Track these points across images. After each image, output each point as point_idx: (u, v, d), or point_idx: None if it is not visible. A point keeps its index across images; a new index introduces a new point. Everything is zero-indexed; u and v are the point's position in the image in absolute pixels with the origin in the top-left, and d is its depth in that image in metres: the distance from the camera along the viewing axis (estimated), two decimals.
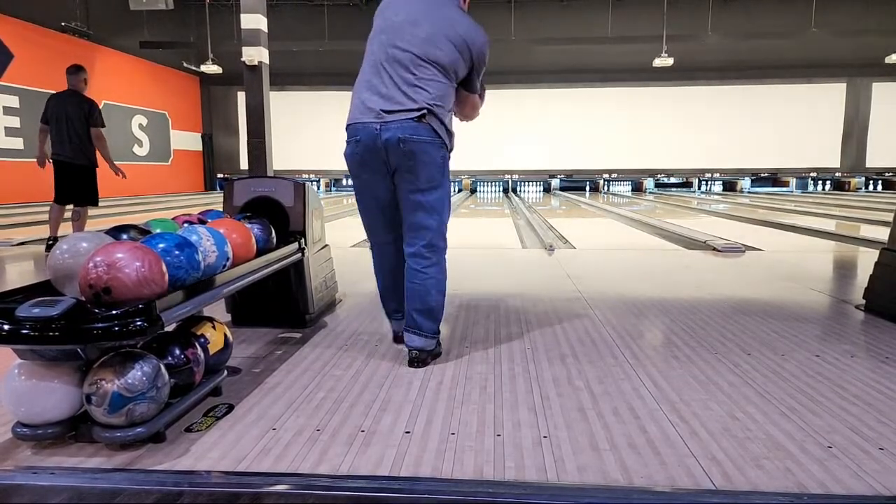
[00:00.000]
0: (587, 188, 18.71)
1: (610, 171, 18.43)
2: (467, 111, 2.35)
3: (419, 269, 2.10)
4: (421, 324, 2.08)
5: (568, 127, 18.07)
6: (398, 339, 2.33)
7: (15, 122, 11.47)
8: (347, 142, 2.11)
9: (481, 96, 2.34)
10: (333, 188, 19.18)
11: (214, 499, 1.25)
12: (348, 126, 2.11)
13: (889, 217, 3.40)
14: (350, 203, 13.19)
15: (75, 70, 4.89)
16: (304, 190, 2.64)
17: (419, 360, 2.08)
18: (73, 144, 4.76)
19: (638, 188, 18.41)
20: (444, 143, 2.08)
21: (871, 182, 18.08)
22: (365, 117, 2.04)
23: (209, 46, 14.13)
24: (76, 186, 4.87)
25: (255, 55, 7.02)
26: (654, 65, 13.92)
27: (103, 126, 4.93)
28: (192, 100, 18.37)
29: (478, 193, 17.69)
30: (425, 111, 1.98)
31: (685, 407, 1.71)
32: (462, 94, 2.22)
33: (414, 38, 2.03)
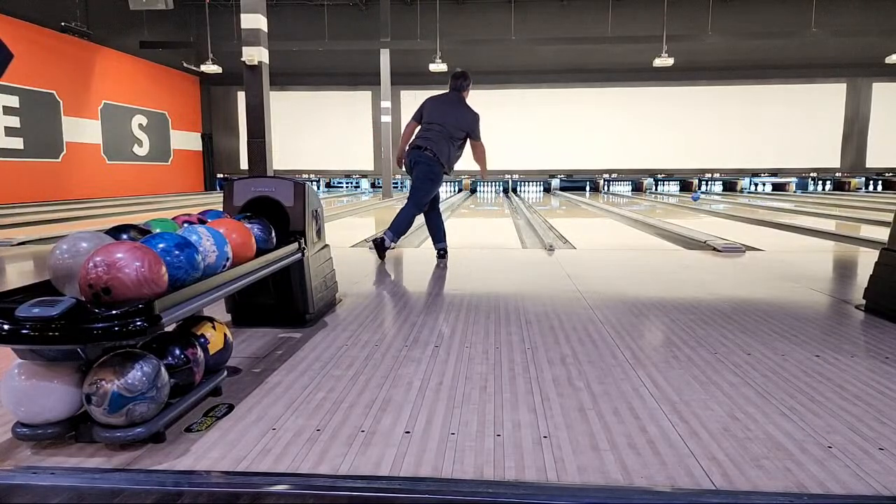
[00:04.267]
0: (587, 188, 18.72)
1: (610, 171, 18.44)
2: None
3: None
4: (444, 238, 4.61)
5: (568, 127, 18.08)
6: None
7: (15, 122, 11.48)
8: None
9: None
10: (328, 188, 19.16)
11: (214, 499, 1.25)
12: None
13: (889, 217, 3.40)
14: (349, 203, 13.18)
15: None
16: (304, 190, 2.63)
17: (445, 251, 4.57)
18: None
19: (638, 188, 18.41)
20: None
21: (871, 182, 18.08)
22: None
23: (209, 46, 14.13)
24: None
25: (255, 55, 7.02)
26: (654, 65, 13.92)
27: None
28: (192, 100, 18.38)
29: (478, 193, 17.70)
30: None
31: (685, 407, 1.71)
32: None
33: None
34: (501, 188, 18.37)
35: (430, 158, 4.36)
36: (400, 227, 4.45)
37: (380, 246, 4.45)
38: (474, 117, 4.47)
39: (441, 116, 4.42)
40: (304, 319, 2.59)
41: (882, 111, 17.45)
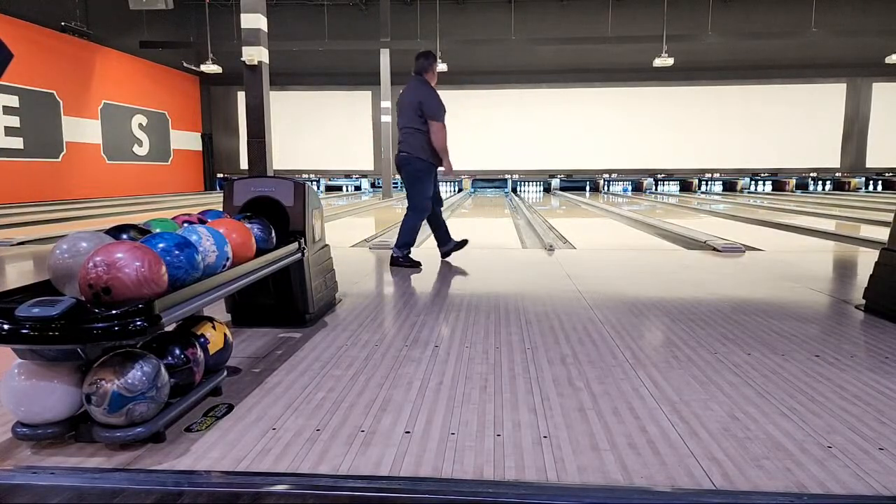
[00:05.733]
0: (587, 188, 18.72)
1: (610, 171, 18.44)
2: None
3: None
4: (449, 238, 4.56)
5: (568, 127, 18.08)
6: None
7: (15, 121, 11.48)
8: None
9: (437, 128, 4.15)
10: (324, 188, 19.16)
11: (214, 499, 1.25)
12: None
13: (889, 217, 3.40)
14: (349, 203, 13.18)
15: None
16: (304, 190, 2.63)
17: (457, 244, 4.58)
18: None
19: (638, 188, 18.42)
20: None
21: (871, 182, 18.08)
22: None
23: (209, 46, 14.13)
24: None
25: (255, 55, 7.01)
26: (654, 65, 13.92)
27: None
28: (192, 100, 18.38)
29: (477, 193, 17.70)
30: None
31: (685, 407, 1.71)
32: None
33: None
34: (503, 191, 18.36)
35: (405, 158, 4.23)
36: (404, 238, 4.23)
37: (394, 261, 4.25)
38: (427, 93, 4.13)
39: (400, 107, 4.30)
40: (304, 319, 2.59)
41: (882, 111, 17.46)
